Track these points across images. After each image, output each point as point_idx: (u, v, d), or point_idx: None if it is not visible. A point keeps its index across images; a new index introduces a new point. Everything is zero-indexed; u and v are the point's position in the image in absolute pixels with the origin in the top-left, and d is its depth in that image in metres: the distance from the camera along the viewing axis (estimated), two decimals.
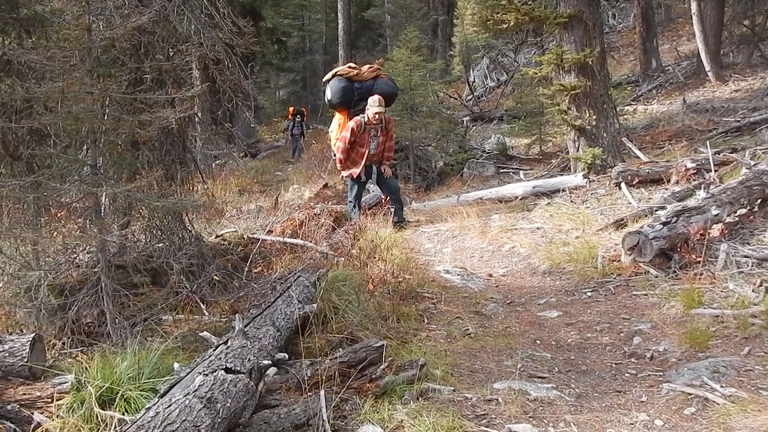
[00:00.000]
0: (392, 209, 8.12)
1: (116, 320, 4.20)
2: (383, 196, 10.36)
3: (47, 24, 4.65)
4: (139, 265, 4.60)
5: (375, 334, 4.19)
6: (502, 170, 11.72)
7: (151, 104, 4.29)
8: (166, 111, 4.19)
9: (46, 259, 4.55)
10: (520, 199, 8.77)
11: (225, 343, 3.34)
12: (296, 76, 34.10)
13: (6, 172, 4.67)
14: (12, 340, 3.50)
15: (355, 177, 7.97)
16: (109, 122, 4.15)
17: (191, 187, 5.74)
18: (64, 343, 4.21)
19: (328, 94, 8.20)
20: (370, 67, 8.36)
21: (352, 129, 7.75)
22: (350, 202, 8.20)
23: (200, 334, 4.07)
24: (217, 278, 5.22)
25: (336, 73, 8.25)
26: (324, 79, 8.41)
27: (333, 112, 8.68)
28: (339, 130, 8.13)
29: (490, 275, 6.20)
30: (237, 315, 4.02)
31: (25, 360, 3.41)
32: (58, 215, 4.53)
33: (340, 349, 3.71)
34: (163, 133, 4.89)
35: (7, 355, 3.42)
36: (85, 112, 3.84)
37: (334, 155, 8.27)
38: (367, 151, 7.85)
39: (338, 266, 5.42)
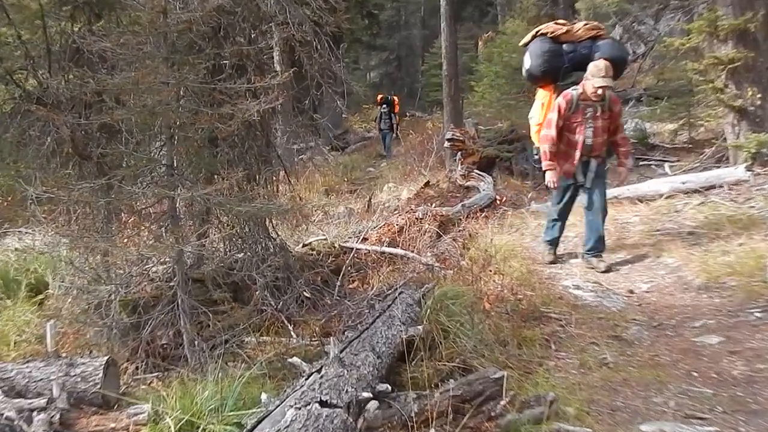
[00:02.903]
0: (588, 232, 6.82)
1: (194, 342, 4.35)
2: (498, 197, 10.38)
3: (118, 6, 4.88)
4: (219, 279, 4.75)
5: (492, 362, 4.14)
6: (641, 162, 11.34)
7: (231, 95, 4.42)
8: (249, 102, 4.29)
9: (118, 271, 4.74)
10: (666, 198, 8.45)
11: (318, 371, 3.37)
12: (390, 55, 34.41)
13: (74, 173, 4.90)
14: (84, 364, 3.67)
15: (569, 176, 6.65)
16: (185, 116, 4.30)
17: (275, 189, 5.93)
18: (137, 367, 4.41)
19: (527, 62, 6.97)
20: (586, 25, 7.06)
21: (560, 107, 6.47)
22: (552, 212, 7.00)
23: (289, 359, 4.13)
24: (306, 294, 5.33)
25: (538, 32, 6.97)
26: (521, 42, 7.22)
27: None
28: (543, 112, 6.91)
29: (631, 291, 6.00)
30: (331, 338, 4.07)
31: (98, 386, 3.57)
32: (131, 222, 4.74)
33: (452, 381, 3.68)
34: (245, 128, 5.02)
35: (79, 380, 3.60)
36: (160, 105, 4.00)
37: (536, 153, 6.97)
38: (581, 139, 6.50)
39: (446, 281, 5.40)
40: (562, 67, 6.80)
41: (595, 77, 6.29)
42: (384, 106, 20.03)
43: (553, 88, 6.88)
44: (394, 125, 20.10)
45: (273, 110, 5.79)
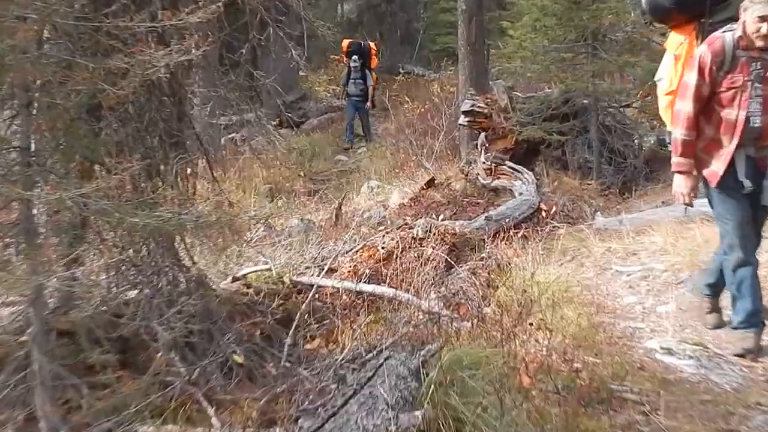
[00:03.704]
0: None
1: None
2: (544, 206, 10.41)
3: None
4: (99, 331, 4.72)
5: None
6: None
7: (125, 39, 4.42)
8: (153, 51, 4.30)
9: None
10: None
11: None
12: None
13: None
14: None
15: (716, 182, 5.92)
16: (51, 71, 4.29)
17: (191, 188, 5.97)
18: None
19: None
20: None
21: (703, 63, 5.78)
22: (725, 254, 6.12)
23: None
24: (238, 358, 5.32)
25: None
26: None
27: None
28: (677, 71, 6.32)
29: (756, 360, 6.04)
30: (276, 429, 4.07)
31: None
32: None
33: None
34: (146, 91, 5.05)
35: None
36: (12, 52, 3.99)
37: (668, 141, 6.47)
38: (743, 118, 5.75)
39: (460, 339, 5.41)
40: None
41: (755, 3, 5.54)
42: (354, 58, 19.98)
43: (696, 29, 6.30)
44: (369, 89, 19.96)
45: (190, 64, 5.82)
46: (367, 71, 19.94)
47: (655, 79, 6.62)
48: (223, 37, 6.17)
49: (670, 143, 6.14)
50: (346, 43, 20.58)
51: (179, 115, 5.77)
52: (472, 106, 13.29)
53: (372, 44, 20.90)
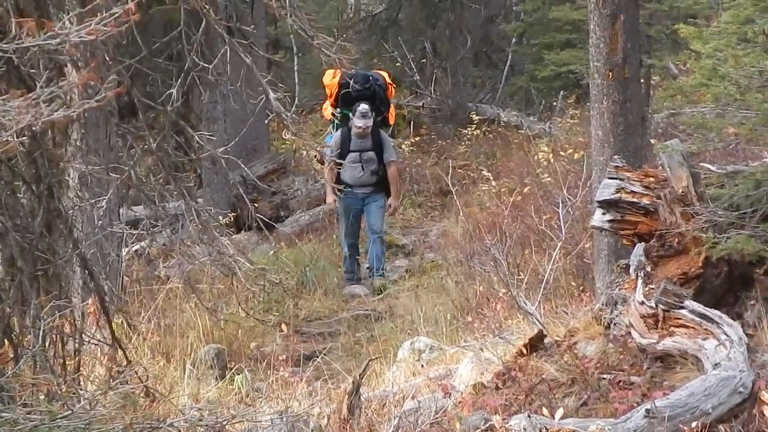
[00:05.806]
0: None
1: None
2: (762, 387, 9.70)
3: None
4: None
5: None
6: None
7: None
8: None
9: None
10: None
11: None
12: None
13: None
14: None
15: None
16: None
17: (73, 361, 5.78)
18: None
19: None
20: None
21: None
22: None
23: None
24: None
25: None
26: None
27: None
28: None
29: None
30: None
31: None
32: None
33: None
34: None
35: None
36: None
37: None
38: None
39: None
40: None
41: None
42: (363, 109, 18.05)
43: None
44: (391, 171, 18.49)
45: (68, 121, 5.60)
46: (382, 133, 18.30)
47: None
48: (133, 66, 6.00)
49: None
50: (332, 79, 18.55)
51: (48, 219, 5.28)
52: (619, 191, 12.56)
53: (385, 75, 19.45)
